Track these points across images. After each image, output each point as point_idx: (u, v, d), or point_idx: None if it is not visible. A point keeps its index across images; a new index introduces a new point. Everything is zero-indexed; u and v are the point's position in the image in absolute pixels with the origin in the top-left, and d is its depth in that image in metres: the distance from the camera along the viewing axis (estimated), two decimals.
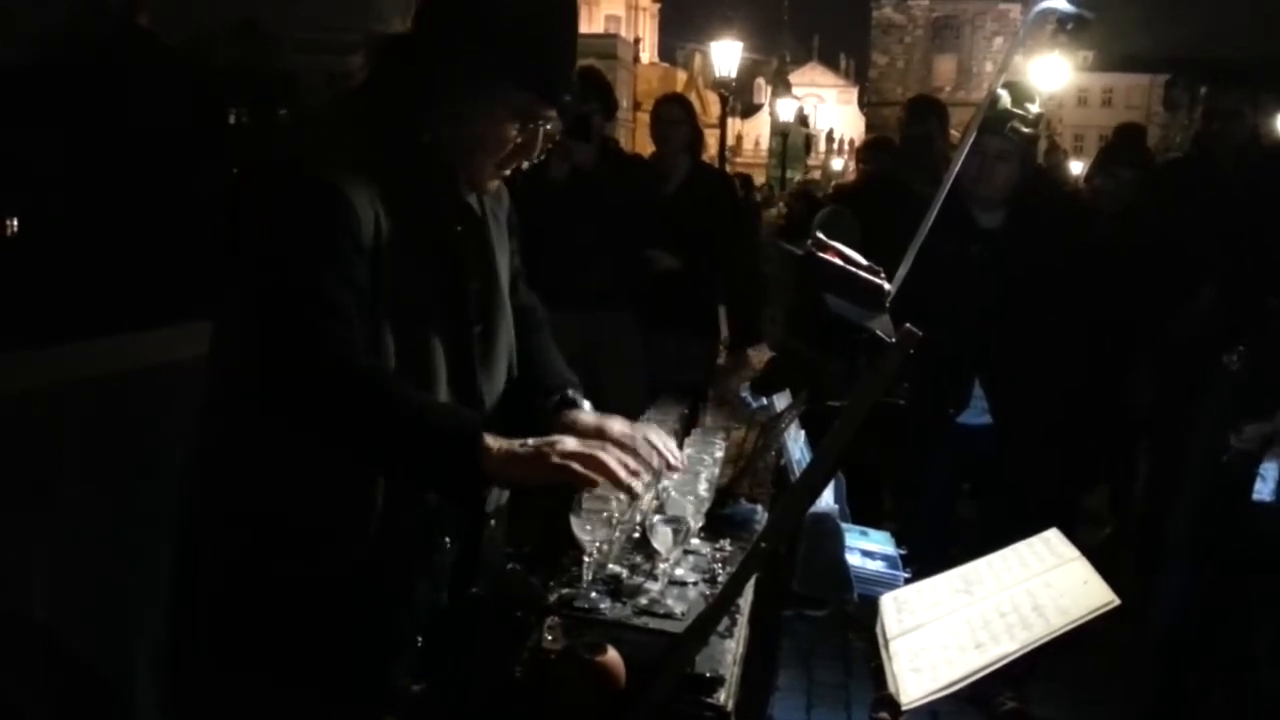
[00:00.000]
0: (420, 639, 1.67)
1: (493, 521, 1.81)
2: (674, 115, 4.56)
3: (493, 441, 1.46)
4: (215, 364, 1.61)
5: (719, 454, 2.19)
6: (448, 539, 1.70)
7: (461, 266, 1.69)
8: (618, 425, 1.76)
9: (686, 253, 4.24)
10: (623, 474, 1.50)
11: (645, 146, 5.30)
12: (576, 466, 1.48)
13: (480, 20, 1.57)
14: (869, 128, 58.13)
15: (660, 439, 1.76)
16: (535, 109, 1.62)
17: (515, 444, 1.49)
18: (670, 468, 1.75)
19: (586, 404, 1.87)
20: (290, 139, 1.70)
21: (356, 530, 1.56)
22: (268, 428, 1.52)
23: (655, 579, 1.73)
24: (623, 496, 1.63)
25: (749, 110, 71.58)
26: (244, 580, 1.57)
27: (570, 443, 1.52)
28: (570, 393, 1.87)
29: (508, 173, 1.73)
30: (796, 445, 2.36)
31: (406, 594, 1.66)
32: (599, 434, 1.71)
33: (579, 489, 1.56)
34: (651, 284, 4.17)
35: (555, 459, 1.48)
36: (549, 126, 1.66)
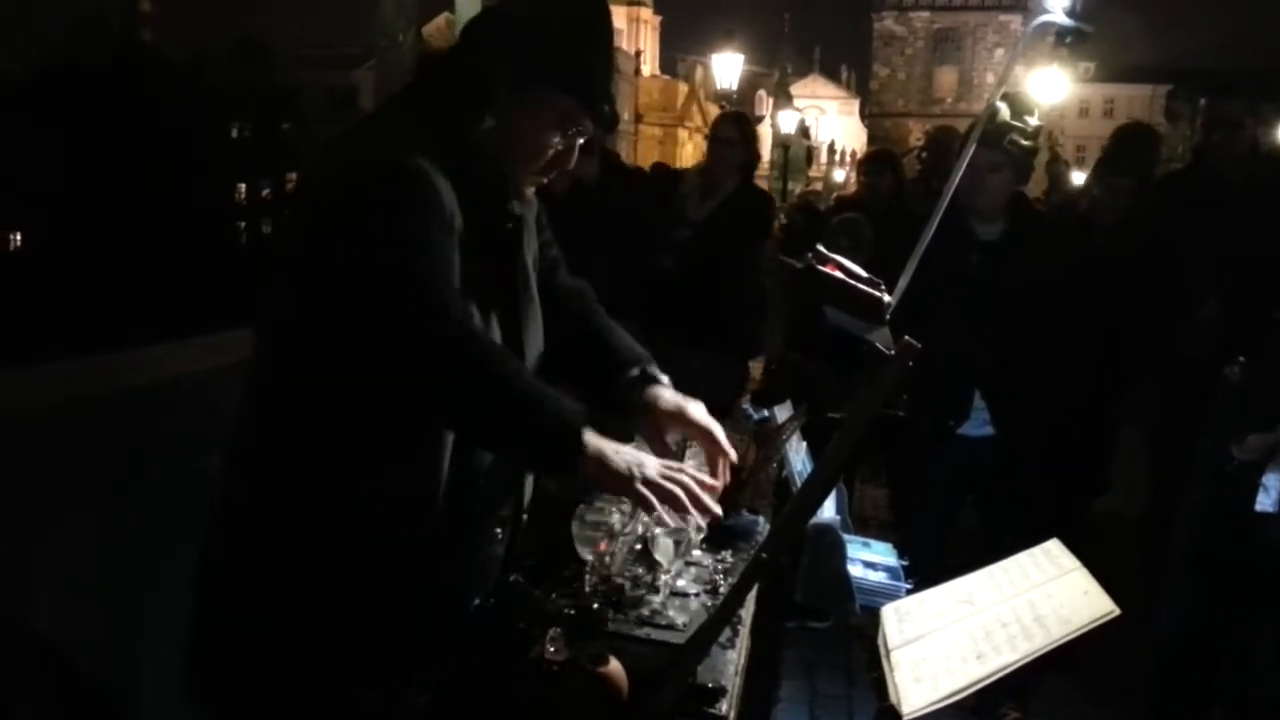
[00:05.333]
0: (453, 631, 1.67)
1: (525, 516, 1.80)
2: (728, 135, 4.52)
3: (591, 440, 1.50)
4: (266, 358, 1.63)
5: None
6: (499, 530, 1.71)
7: (514, 264, 1.73)
8: (696, 409, 1.80)
9: (716, 270, 4.20)
10: (693, 510, 1.55)
11: (646, 159, 5.29)
12: (652, 499, 1.53)
13: (525, 29, 1.62)
14: (871, 139, 58.34)
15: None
16: (575, 116, 1.67)
17: (609, 449, 1.52)
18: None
19: (665, 379, 1.88)
20: (349, 142, 1.68)
21: (417, 518, 1.58)
22: (328, 417, 1.54)
23: (657, 590, 1.73)
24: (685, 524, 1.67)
25: None
26: (293, 568, 1.56)
27: (653, 467, 1.55)
28: (649, 368, 1.88)
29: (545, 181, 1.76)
30: (798, 457, 2.37)
31: (453, 583, 1.66)
32: (679, 416, 1.77)
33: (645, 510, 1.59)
34: (661, 298, 4.14)
35: (638, 485, 1.52)
36: (583, 139, 1.70)
